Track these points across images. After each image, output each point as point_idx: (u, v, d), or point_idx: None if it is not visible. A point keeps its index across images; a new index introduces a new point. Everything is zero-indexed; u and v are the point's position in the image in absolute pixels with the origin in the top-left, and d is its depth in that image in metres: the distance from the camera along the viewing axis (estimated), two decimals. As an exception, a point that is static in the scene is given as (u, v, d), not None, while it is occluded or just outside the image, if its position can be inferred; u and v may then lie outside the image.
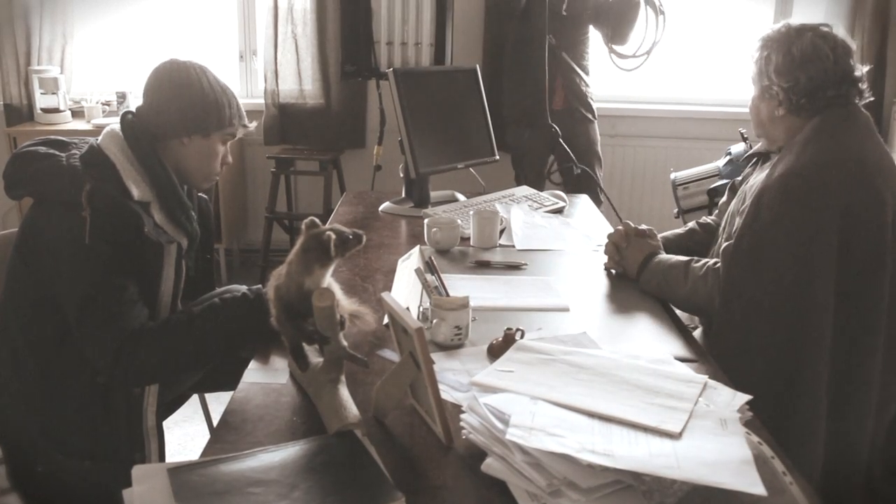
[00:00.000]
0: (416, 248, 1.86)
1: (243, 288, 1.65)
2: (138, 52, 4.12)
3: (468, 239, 2.09)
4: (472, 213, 2.12)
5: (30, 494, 1.57)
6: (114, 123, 1.58)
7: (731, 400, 1.13)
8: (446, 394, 1.25)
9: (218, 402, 1.66)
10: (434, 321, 1.45)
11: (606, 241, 1.91)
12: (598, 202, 3.47)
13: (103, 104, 4.06)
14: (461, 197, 2.55)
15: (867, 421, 1.63)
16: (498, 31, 3.83)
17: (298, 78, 4.07)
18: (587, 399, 1.12)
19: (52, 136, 1.59)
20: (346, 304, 1.37)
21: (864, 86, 1.66)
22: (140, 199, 1.50)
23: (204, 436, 2.38)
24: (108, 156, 1.51)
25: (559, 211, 2.46)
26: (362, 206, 2.51)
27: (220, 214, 3.89)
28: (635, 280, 1.81)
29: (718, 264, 1.70)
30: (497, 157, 2.59)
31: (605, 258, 1.91)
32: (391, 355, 1.40)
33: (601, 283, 1.85)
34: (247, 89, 4.30)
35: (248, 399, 1.27)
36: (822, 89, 1.64)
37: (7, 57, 4.00)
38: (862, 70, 1.66)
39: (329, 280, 1.25)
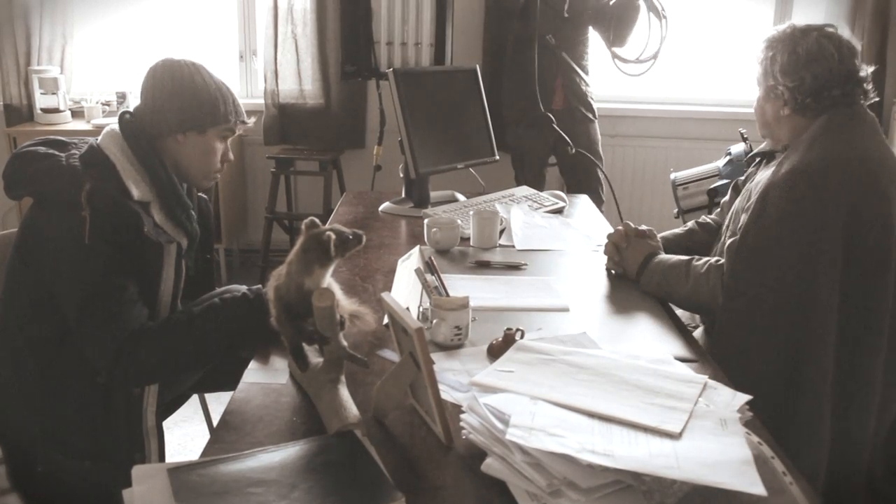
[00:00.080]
0: (416, 249, 1.86)
1: (243, 288, 1.65)
2: (138, 52, 4.12)
3: (468, 239, 2.09)
4: (472, 213, 2.12)
5: (30, 494, 1.57)
6: (113, 123, 1.58)
7: (731, 400, 1.13)
8: (446, 394, 1.25)
9: (218, 402, 1.66)
10: (434, 321, 1.45)
11: (606, 241, 1.91)
12: (600, 201, 3.48)
13: (103, 104, 4.06)
14: (461, 197, 2.55)
15: (870, 421, 1.63)
16: (498, 31, 3.83)
17: (298, 78, 4.07)
18: (587, 399, 1.12)
19: (52, 136, 1.59)
20: (346, 304, 1.37)
21: (868, 86, 1.67)
22: (140, 199, 1.50)
23: (204, 436, 2.38)
24: (108, 156, 1.51)
25: (559, 211, 2.46)
26: (362, 207, 2.51)
27: (220, 214, 3.89)
28: (635, 280, 1.81)
29: (720, 261, 1.70)
30: (497, 158, 2.59)
31: (604, 258, 1.91)
32: (391, 355, 1.40)
33: (601, 284, 1.85)
34: (247, 89, 4.30)
35: (248, 399, 1.27)
36: (828, 88, 1.64)
37: (7, 57, 4.00)
38: (867, 70, 1.67)
39: (329, 280, 1.25)
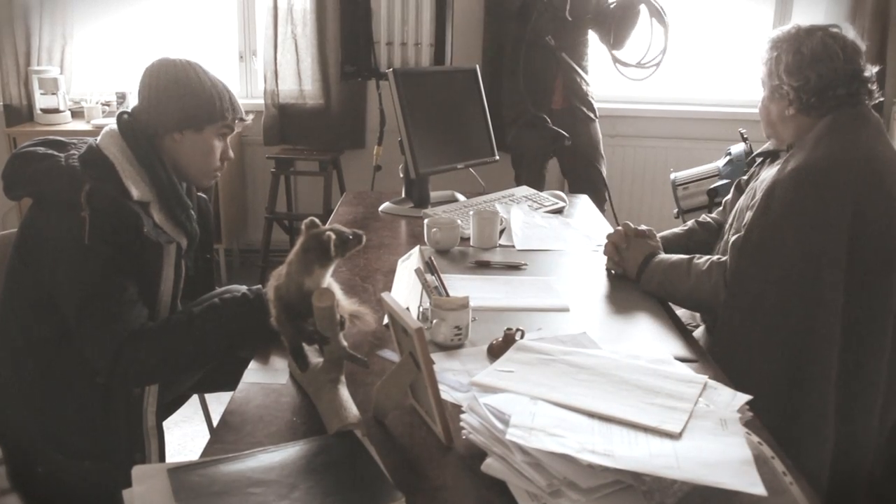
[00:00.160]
0: (416, 249, 1.86)
1: (243, 288, 1.65)
2: (138, 53, 4.12)
3: (468, 239, 2.09)
4: (471, 213, 2.12)
5: (30, 495, 1.57)
6: (112, 124, 1.58)
7: (731, 400, 1.13)
8: (446, 394, 1.25)
9: (218, 403, 1.65)
10: (434, 321, 1.45)
11: (606, 241, 1.91)
12: (603, 199, 3.48)
13: (103, 104, 4.06)
14: (461, 197, 2.55)
15: (873, 421, 1.63)
16: (498, 32, 3.83)
17: (298, 78, 4.07)
18: (587, 399, 1.12)
19: (51, 137, 1.59)
20: (346, 304, 1.36)
21: (873, 86, 1.67)
22: (139, 199, 1.50)
23: (204, 436, 2.38)
24: (107, 156, 1.51)
25: (559, 211, 2.46)
26: (362, 207, 2.51)
27: (220, 215, 3.89)
28: (635, 281, 1.81)
29: (722, 259, 1.70)
30: (497, 158, 2.59)
31: (604, 258, 1.91)
32: (391, 355, 1.40)
33: (601, 283, 1.85)
34: (246, 89, 4.30)
35: (248, 399, 1.27)
36: (832, 88, 1.64)
37: (7, 57, 4.00)
38: (871, 70, 1.67)
39: (329, 280, 1.25)
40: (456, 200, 2.50)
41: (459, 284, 1.72)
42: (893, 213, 1.58)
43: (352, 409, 1.18)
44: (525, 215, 2.31)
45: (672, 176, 2.91)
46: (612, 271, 1.90)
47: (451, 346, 1.44)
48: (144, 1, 4.18)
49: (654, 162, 4.13)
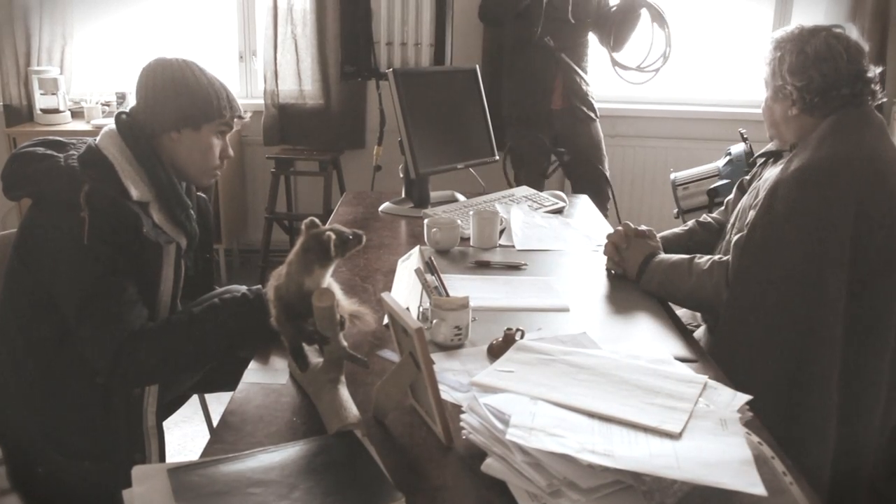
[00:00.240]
0: (416, 249, 1.86)
1: (243, 288, 1.65)
2: (138, 53, 4.12)
3: (468, 239, 2.09)
4: (471, 213, 2.12)
5: (30, 495, 1.57)
6: (110, 124, 1.58)
7: (731, 400, 1.13)
8: (446, 394, 1.25)
9: (218, 403, 1.65)
10: (434, 321, 1.45)
11: (606, 241, 1.91)
12: (606, 198, 3.48)
13: (103, 105, 4.06)
14: (461, 197, 2.55)
15: (875, 421, 1.63)
16: (497, 32, 3.83)
17: (298, 78, 4.07)
18: (587, 399, 1.11)
19: (50, 137, 1.59)
20: (346, 304, 1.36)
21: (876, 86, 1.67)
22: (139, 199, 1.50)
23: (204, 436, 2.38)
24: (107, 156, 1.51)
25: (559, 211, 2.46)
26: (362, 207, 2.51)
27: (220, 215, 3.89)
28: (635, 281, 1.81)
29: (724, 258, 1.70)
30: (497, 158, 2.59)
31: (604, 258, 1.91)
32: (391, 355, 1.40)
33: (601, 284, 1.85)
34: (246, 90, 4.30)
35: (247, 399, 1.27)
36: (836, 88, 1.64)
37: (7, 57, 4.00)
38: (874, 71, 1.67)
39: (329, 280, 1.25)
40: (456, 200, 2.50)
41: (459, 284, 1.72)
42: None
43: (352, 409, 1.18)
44: (525, 215, 2.31)
45: (672, 176, 2.92)
46: (612, 271, 1.89)
47: (451, 346, 1.44)
48: (144, 1, 4.18)
49: (654, 162, 4.13)
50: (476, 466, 1.05)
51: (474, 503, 1.02)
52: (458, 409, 1.18)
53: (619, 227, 1.90)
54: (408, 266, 1.78)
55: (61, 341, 1.50)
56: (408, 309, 1.21)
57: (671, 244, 1.99)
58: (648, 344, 1.50)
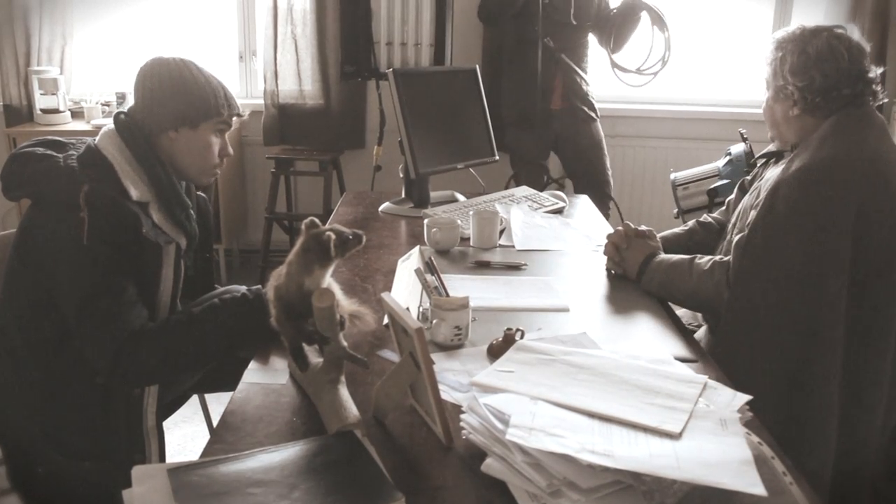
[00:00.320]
0: (416, 249, 1.86)
1: (243, 288, 1.65)
2: (138, 53, 4.11)
3: (468, 239, 2.09)
4: (471, 213, 2.12)
5: (30, 495, 1.57)
6: (109, 124, 1.58)
7: (731, 400, 1.13)
8: (446, 394, 1.25)
9: (218, 403, 1.65)
10: (434, 321, 1.45)
11: (606, 241, 1.91)
12: (608, 198, 3.48)
13: (103, 105, 4.06)
14: (461, 197, 2.55)
15: (876, 421, 1.63)
16: (498, 32, 3.83)
17: (298, 78, 4.07)
18: (587, 399, 1.11)
19: (50, 137, 1.59)
20: (346, 304, 1.36)
21: (877, 87, 1.67)
22: (138, 200, 1.50)
23: (204, 436, 2.38)
24: (106, 156, 1.51)
25: (559, 211, 2.46)
26: (362, 207, 2.51)
27: (220, 215, 3.89)
28: (635, 281, 1.81)
29: (725, 259, 1.70)
30: (497, 158, 2.59)
31: (604, 258, 1.91)
32: (391, 355, 1.40)
33: (601, 284, 1.85)
34: (246, 90, 4.30)
35: (247, 399, 1.27)
36: (837, 88, 1.64)
37: (7, 58, 4.00)
38: (876, 71, 1.67)
39: (329, 280, 1.25)
40: (456, 200, 2.50)
41: (459, 284, 1.72)
42: None
43: (352, 410, 1.18)
44: (525, 215, 2.31)
45: (672, 176, 2.92)
46: (612, 271, 1.89)
47: (451, 346, 1.44)
48: (144, 1, 4.18)
49: (654, 162, 4.13)
50: (476, 466, 1.05)
51: (474, 503, 1.02)
52: (458, 409, 1.18)
53: (619, 227, 1.90)
54: (408, 266, 1.78)
55: (61, 341, 1.50)
56: (408, 309, 1.21)
57: (671, 244, 1.99)
58: (648, 344, 1.50)
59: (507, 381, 1.18)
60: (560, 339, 1.44)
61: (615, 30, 3.40)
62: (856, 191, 1.56)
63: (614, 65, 3.45)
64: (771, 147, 1.89)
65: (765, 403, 1.18)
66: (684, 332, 1.57)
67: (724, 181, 2.72)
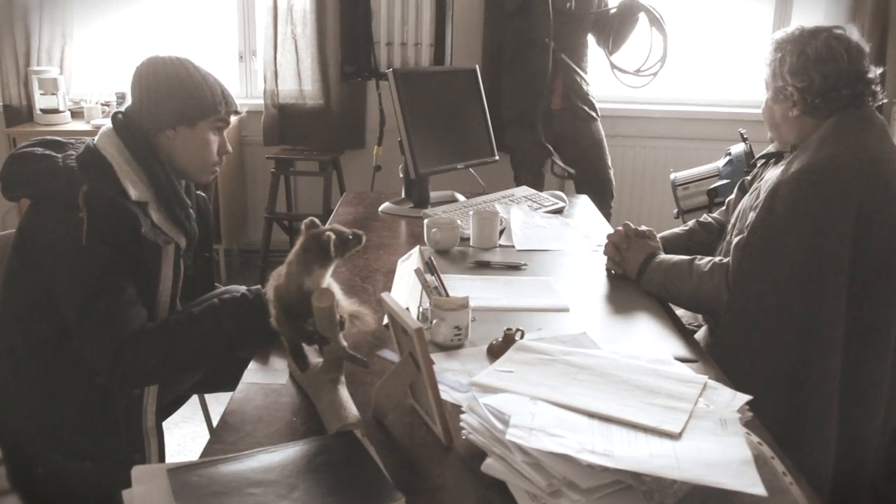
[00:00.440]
0: (416, 249, 1.86)
1: (242, 288, 1.65)
2: (138, 53, 4.09)
3: (468, 239, 2.09)
4: (471, 213, 2.12)
5: (30, 495, 1.57)
6: (107, 124, 1.58)
7: (731, 400, 1.13)
8: (446, 394, 1.25)
9: (218, 403, 1.65)
10: (434, 321, 1.45)
11: (606, 241, 1.91)
12: (610, 196, 3.48)
13: (103, 105, 4.06)
14: (461, 197, 2.55)
15: (876, 422, 1.63)
16: (497, 32, 3.83)
17: (298, 78, 4.07)
18: (587, 399, 1.11)
19: (49, 137, 1.59)
20: (345, 304, 1.37)
21: (877, 87, 1.67)
22: (137, 199, 1.50)
23: (204, 436, 2.38)
24: (105, 156, 1.51)
25: (559, 211, 2.46)
26: (362, 207, 2.51)
27: (220, 215, 3.88)
28: (635, 281, 1.81)
29: (724, 260, 1.70)
30: (497, 158, 2.59)
31: (604, 258, 1.91)
32: (391, 355, 1.40)
33: (601, 284, 1.85)
34: (246, 90, 4.30)
35: (247, 399, 1.27)
36: (837, 89, 1.64)
37: (6, 58, 3.99)
38: (875, 72, 1.67)
39: (329, 280, 1.25)
40: (456, 200, 2.50)
41: (459, 284, 1.72)
42: None
43: (351, 410, 1.18)
44: (525, 215, 2.31)
45: (672, 176, 2.91)
46: (612, 271, 1.89)
47: (451, 347, 1.44)
48: (144, 1, 4.18)
49: (654, 162, 4.13)
50: (476, 466, 1.05)
51: (474, 503, 1.02)
52: (457, 409, 1.18)
53: (620, 228, 1.90)
54: (408, 266, 1.78)
55: (61, 341, 1.50)
56: (408, 309, 1.21)
57: (671, 244, 1.99)
58: (648, 344, 1.50)
59: (506, 381, 1.18)
60: (560, 339, 1.44)
61: (613, 31, 3.41)
62: (855, 192, 1.56)
63: (613, 66, 3.45)
64: (770, 148, 1.89)
65: (765, 403, 1.18)
66: (684, 332, 1.57)
67: (724, 181, 2.72)
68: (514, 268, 1.91)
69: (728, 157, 2.80)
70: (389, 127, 3.11)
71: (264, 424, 1.19)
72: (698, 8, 4.10)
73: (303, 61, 4.04)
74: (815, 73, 1.64)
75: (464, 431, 1.09)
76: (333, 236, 1.20)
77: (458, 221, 2.06)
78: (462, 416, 1.11)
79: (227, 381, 1.46)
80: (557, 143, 3.54)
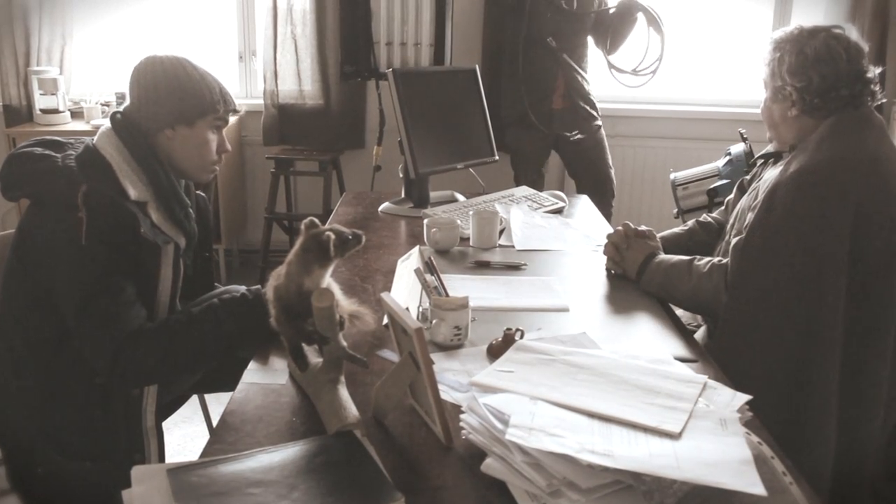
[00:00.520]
0: (416, 249, 1.86)
1: (242, 288, 1.65)
2: (138, 53, 4.09)
3: (468, 239, 2.09)
4: (471, 213, 2.12)
5: (30, 496, 1.57)
6: (106, 124, 1.57)
7: (731, 400, 1.13)
8: (446, 394, 1.25)
9: (217, 403, 1.65)
10: (434, 321, 1.45)
11: (606, 241, 1.91)
12: (611, 196, 3.48)
13: (102, 105, 4.06)
14: (461, 197, 2.55)
15: (875, 422, 1.63)
16: (497, 31, 3.83)
17: (298, 78, 4.07)
18: (587, 399, 1.11)
19: (48, 137, 1.59)
20: (345, 304, 1.36)
21: (876, 87, 1.67)
22: (137, 199, 1.50)
23: (203, 436, 2.38)
24: (104, 156, 1.51)
25: (559, 211, 2.45)
26: (362, 207, 2.51)
27: (220, 215, 3.89)
28: (635, 281, 1.81)
29: (723, 261, 1.70)
30: (496, 158, 2.59)
31: (604, 258, 1.91)
32: (391, 355, 1.40)
33: (601, 283, 1.85)
34: (246, 90, 4.30)
35: (247, 399, 1.27)
36: (835, 89, 1.64)
37: (6, 58, 3.99)
38: (874, 72, 1.67)
39: (328, 280, 1.25)
40: (455, 200, 2.50)
41: (459, 284, 1.72)
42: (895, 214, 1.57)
43: (351, 410, 1.18)
44: (525, 215, 2.31)
45: (672, 176, 2.91)
46: (612, 271, 1.89)
47: (451, 346, 1.44)
48: (144, 1, 4.18)
49: (654, 162, 4.13)
50: (476, 466, 1.04)
51: (474, 503, 1.02)
52: (457, 409, 1.18)
53: (619, 227, 1.90)
54: (407, 266, 1.78)
55: (60, 341, 1.50)
56: (407, 309, 1.21)
57: (671, 244, 1.99)
58: (648, 344, 1.50)
59: (506, 381, 1.18)
60: (560, 339, 1.44)
61: (612, 30, 3.41)
62: (854, 192, 1.56)
63: (611, 66, 3.45)
64: (769, 148, 1.89)
65: (764, 404, 1.18)
66: (684, 332, 1.56)
67: (724, 181, 2.72)
68: (513, 268, 1.91)
69: (728, 157, 2.80)
70: (389, 127, 3.11)
71: (264, 424, 1.19)
72: (698, 8, 4.10)
73: (302, 61, 4.04)
74: (814, 73, 1.64)
75: (463, 431, 1.09)
76: (333, 236, 1.20)
77: (458, 221, 2.06)
78: (462, 416, 1.11)
79: (227, 381, 1.45)
80: (558, 143, 3.55)
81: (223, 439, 1.15)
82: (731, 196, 2.01)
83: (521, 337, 1.40)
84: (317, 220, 1.25)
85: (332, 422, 1.16)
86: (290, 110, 4.08)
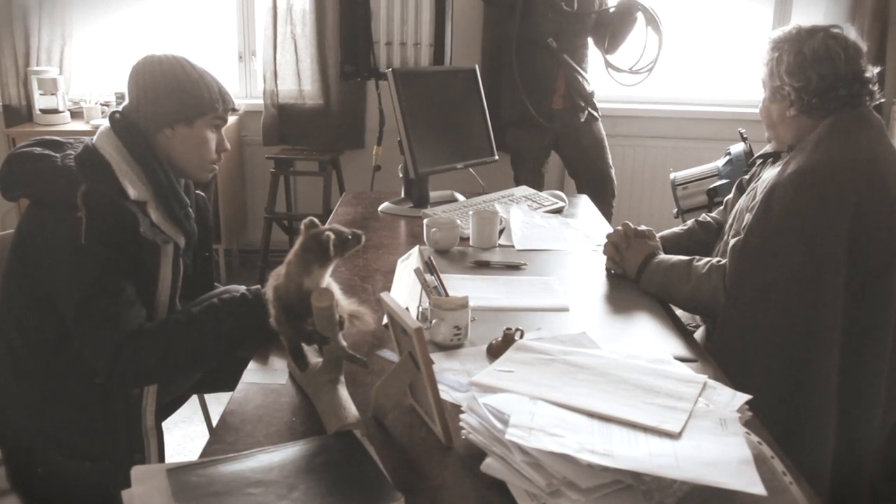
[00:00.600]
0: (416, 249, 1.86)
1: (242, 288, 1.65)
2: (137, 53, 4.09)
3: (467, 239, 2.09)
4: (471, 213, 2.12)
5: (30, 495, 1.57)
6: (105, 124, 1.57)
7: (731, 400, 1.13)
8: (446, 394, 1.25)
9: (217, 403, 1.65)
10: (433, 321, 1.45)
11: (606, 241, 1.91)
12: (611, 196, 3.48)
13: (102, 105, 4.06)
14: (460, 197, 2.55)
15: (874, 422, 1.63)
16: (497, 32, 3.83)
17: (298, 78, 4.07)
18: (587, 399, 1.11)
19: (47, 137, 1.59)
20: (345, 304, 1.36)
21: (874, 87, 1.67)
22: (136, 199, 1.50)
23: (203, 436, 2.38)
24: (104, 156, 1.51)
25: (559, 211, 2.46)
26: (361, 207, 2.51)
27: (220, 215, 3.89)
28: (635, 281, 1.81)
29: (722, 262, 1.70)
30: (496, 158, 2.59)
31: (604, 258, 1.91)
32: (391, 355, 1.40)
33: (601, 283, 1.85)
34: (246, 90, 4.30)
35: (247, 399, 1.27)
36: (834, 89, 1.64)
37: (6, 58, 3.99)
38: (873, 71, 1.67)
39: (328, 280, 1.25)
40: (455, 200, 2.50)
41: (459, 284, 1.72)
42: (894, 214, 1.57)
43: (351, 410, 1.18)
44: (524, 215, 2.31)
45: (672, 176, 2.92)
46: (612, 271, 1.89)
47: (451, 346, 1.44)
48: (144, 1, 4.18)
49: (654, 162, 4.13)
50: (476, 466, 1.04)
51: (474, 503, 1.02)
52: (457, 409, 1.18)
53: (619, 227, 1.90)
54: (407, 266, 1.78)
55: (60, 341, 1.50)
56: (407, 309, 1.21)
57: (671, 244, 1.99)
58: (648, 344, 1.50)
59: (506, 381, 1.18)
60: (560, 339, 1.44)
61: (611, 30, 3.41)
62: (852, 192, 1.56)
63: (608, 64, 3.46)
64: (768, 147, 1.89)
65: (763, 403, 1.18)
66: (684, 332, 1.56)
67: (724, 181, 2.72)
68: (513, 268, 1.91)
69: (728, 157, 2.80)
70: (389, 127, 3.11)
71: (264, 424, 1.19)
72: (698, 7, 4.10)
73: (302, 61, 4.04)
74: (813, 73, 1.64)
75: (463, 431, 1.09)
76: (333, 236, 1.20)
77: (458, 221, 2.06)
78: (462, 416, 1.11)
79: (227, 381, 1.45)
80: (558, 143, 3.55)
81: (223, 439, 1.15)
82: (731, 196, 2.01)
83: (521, 337, 1.40)
84: (316, 220, 1.25)
85: (331, 422, 1.16)
86: (289, 110, 4.08)
